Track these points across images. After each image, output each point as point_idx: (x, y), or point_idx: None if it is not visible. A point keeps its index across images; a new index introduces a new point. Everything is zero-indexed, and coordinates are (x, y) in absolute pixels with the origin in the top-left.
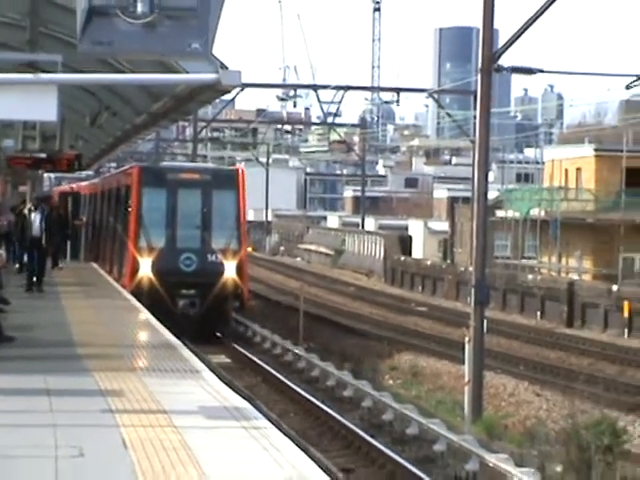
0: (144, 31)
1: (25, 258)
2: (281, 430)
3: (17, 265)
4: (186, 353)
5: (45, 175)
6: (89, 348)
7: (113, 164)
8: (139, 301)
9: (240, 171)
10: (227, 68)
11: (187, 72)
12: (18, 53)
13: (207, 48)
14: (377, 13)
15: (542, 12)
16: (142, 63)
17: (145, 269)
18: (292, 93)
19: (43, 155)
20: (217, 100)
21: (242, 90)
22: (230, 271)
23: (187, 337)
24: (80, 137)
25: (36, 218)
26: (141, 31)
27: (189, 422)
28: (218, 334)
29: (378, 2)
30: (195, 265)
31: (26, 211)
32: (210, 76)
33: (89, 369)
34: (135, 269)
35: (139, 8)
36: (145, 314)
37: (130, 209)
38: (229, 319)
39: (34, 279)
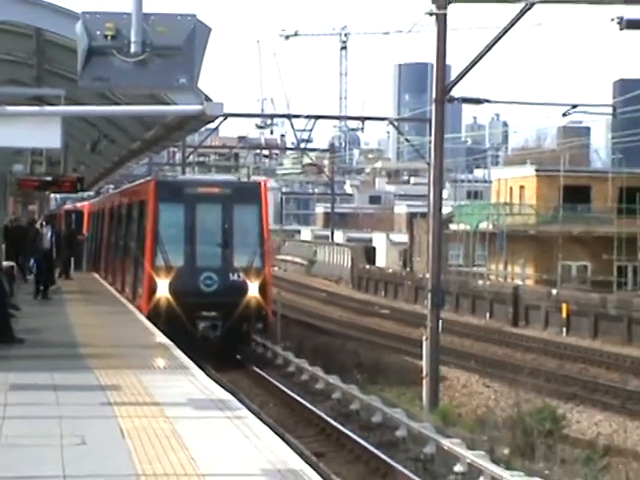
0: (137, 68)
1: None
2: (261, 419)
3: (31, 276)
4: (177, 352)
5: (52, 195)
6: (90, 348)
7: (111, 185)
8: (156, 324)
9: (263, 184)
10: (211, 100)
11: (176, 104)
12: (26, 88)
13: (193, 82)
14: (344, 51)
15: (487, 51)
16: (135, 96)
17: (163, 290)
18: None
19: (49, 178)
20: (203, 128)
21: (225, 119)
22: (253, 291)
23: (203, 359)
24: (82, 162)
25: (47, 233)
26: (134, 68)
27: (179, 413)
28: (238, 357)
29: (345, 42)
30: (216, 285)
31: (38, 226)
32: (196, 107)
33: (90, 367)
34: (152, 290)
35: (132, 48)
36: (140, 318)
37: (146, 225)
38: (250, 341)
39: (41, 288)
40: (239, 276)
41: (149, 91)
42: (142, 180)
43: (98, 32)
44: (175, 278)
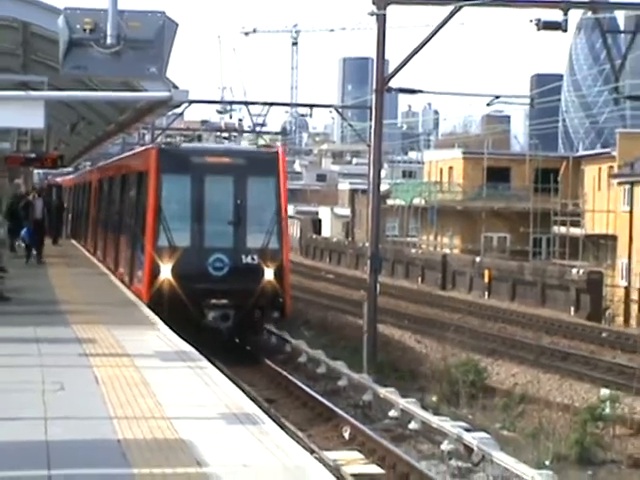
0: (112, 58)
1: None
2: (219, 369)
3: (22, 244)
4: (145, 309)
5: (35, 171)
6: (69, 306)
7: (88, 163)
8: (158, 313)
9: (280, 152)
10: (177, 88)
11: (146, 90)
12: (13, 75)
13: (162, 72)
14: (295, 46)
15: (421, 47)
16: (111, 83)
17: (166, 274)
18: (228, 108)
19: (33, 155)
20: (170, 112)
21: (189, 105)
22: (269, 275)
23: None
24: (62, 141)
25: (38, 204)
26: (110, 58)
27: (147, 363)
28: (248, 347)
29: (295, 38)
30: (227, 269)
31: (30, 198)
32: (164, 94)
33: (69, 322)
34: (153, 274)
35: (108, 40)
36: (112, 279)
37: (146, 200)
38: (261, 330)
39: (34, 253)
40: (253, 258)
41: (123, 79)
42: (140, 148)
43: (78, 26)
44: (180, 261)
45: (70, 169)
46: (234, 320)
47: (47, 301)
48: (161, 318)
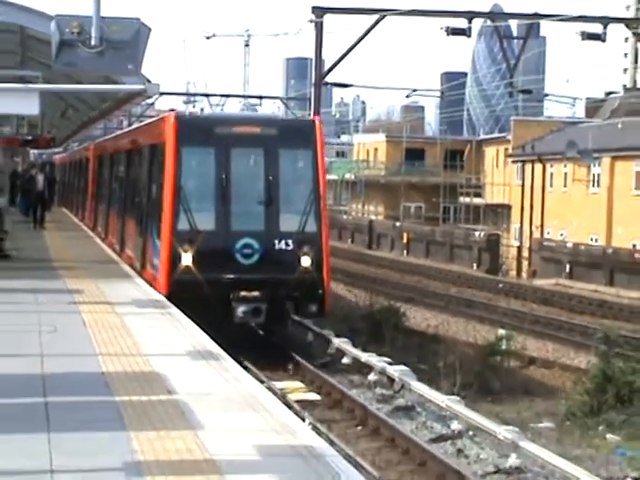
0: (96, 57)
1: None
2: (186, 315)
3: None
4: (124, 266)
5: (31, 151)
6: (61, 263)
7: (76, 144)
8: (179, 306)
9: (317, 122)
10: (150, 82)
11: (124, 84)
12: (13, 70)
13: (137, 69)
14: (247, 48)
15: (350, 50)
16: (95, 77)
17: (187, 263)
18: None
19: (30, 137)
20: (143, 102)
21: (160, 96)
22: (307, 263)
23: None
24: (54, 125)
25: (40, 178)
26: (94, 57)
27: (126, 310)
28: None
29: (247, 41)
30: (258, 255)
31: (33, 173)
32: (139, 87)
33: (61, 276)
34: (172, 263)
35: (93, 42)
36: (97, 241)
37: (162, 176)
38: (288, 322)
39: (38, 219)
40: (288, 244)
41: (105, 74)
42: (152, 119)
43: (67, 29)
44: (203, 247)
45: (60, 149)
46: (266, 316)
47: (42, 259)
48: (183, 312)
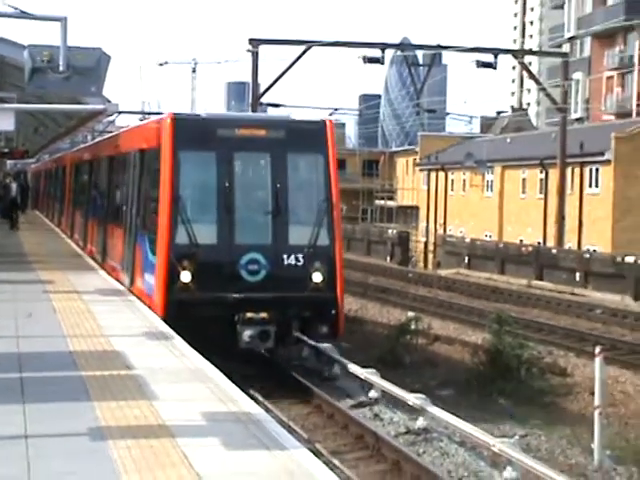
0: (63, 81)
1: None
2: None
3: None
4: (87, 259)
5: (8, 161)
6: (34, 257)
7: (47, 155)
8: (176, 328)
9: (328, 124)
10: (110, 102)
11: (88, 104)
12: None
13: (99, 91)
14: (194, 73)
15: (281, 76)
16: (62, 98)
17: (186, 281)
18: (147, 116)
19: (6, 150)
20: (105, 120)
21: (119, 114)
22: (319, 279)
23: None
24: (28, 140)
25: (13, 186)
26: (62, 81)
27: (90, 297)
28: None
29: (194, 68)
30: (265, 272)
31: (7, 181)
32: (101, 106)
33: (35, 268)
34: (169, 281)
35: (60, 68)
36: (63, 237)
37: (157, 184)
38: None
39: (14, 223)
40: (298, 258)
41: (71, 96)
42: (145, 121)
43: (38, 57)
44: (204, 263)
45: (33, 160)
46: (275, 339)
47: (18, 254)
48: (182, 337)
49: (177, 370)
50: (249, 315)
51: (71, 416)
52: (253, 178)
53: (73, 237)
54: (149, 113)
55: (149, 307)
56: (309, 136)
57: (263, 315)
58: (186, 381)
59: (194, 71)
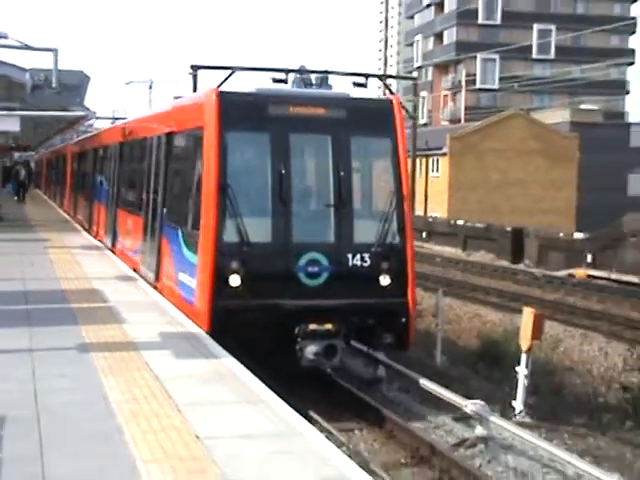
0: (56, 95)
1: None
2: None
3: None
4: (75, 224)
5: (15, 153)
6: (36, 222)
7: (43, 149)
8: (223, 343)
9: (396, 102)
10: (89, 109)
11: (74, 111)
12: (2, 103)
13: (82, 101)
14: (150, 89)
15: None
16: (55, 107)
17: (235, 286)
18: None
19: (13, 145)
20: (86, 123)
21: (97, 119)
22: (388, 283)
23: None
24: (29, 137)
25: (22, 171)
26: (55, 95)
27: (77, 251)
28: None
29: (151, 86)
30: (327, 275)
31: (18, 168)
32: (83, 113)
33: (36, 230)
34: (216, 287)
35: (53, 85)
36: (56, 207)
37: (199, 172)
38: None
39: (22, 197)
40: (364, 260)
41: (61, 106)
42: (179, 99)
43: (36, 77)
44: (257, 264)
45: (33, 152)
46: (341, 354)
47: (24, 220)
48: (231, 352)
49: (141, 303)
50: (312, 327)
51: (64, 336)
52: (312, 164)
53: (76, 217)
54: (118, 118)
55: (187, 315)
56: (375, 116)
57: (328, 327)
58: (148, 311)
59: (150, 87)
